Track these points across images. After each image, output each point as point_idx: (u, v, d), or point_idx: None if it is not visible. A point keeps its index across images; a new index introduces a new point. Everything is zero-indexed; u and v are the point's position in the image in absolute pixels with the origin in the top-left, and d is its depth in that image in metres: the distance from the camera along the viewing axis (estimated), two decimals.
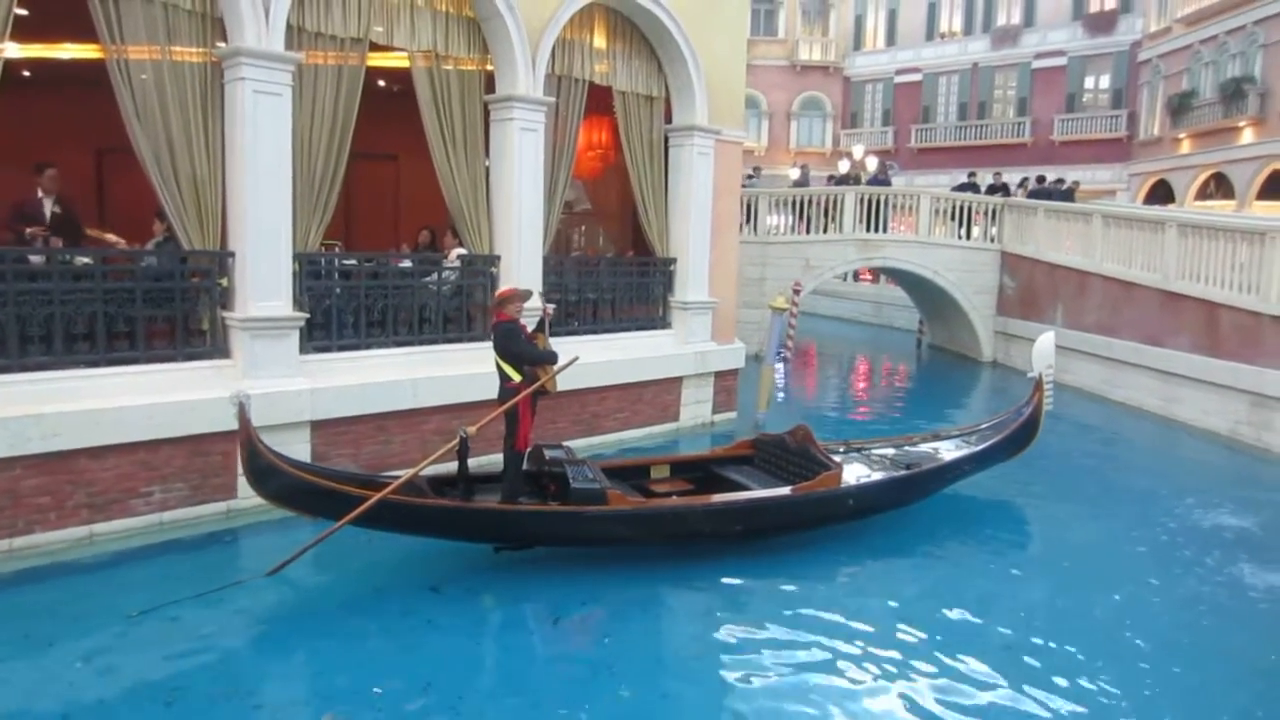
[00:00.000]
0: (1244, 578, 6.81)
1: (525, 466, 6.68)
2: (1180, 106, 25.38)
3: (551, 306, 7.39)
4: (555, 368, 6.64)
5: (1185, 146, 25.64)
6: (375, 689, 4.70)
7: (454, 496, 6.47)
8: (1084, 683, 5.01)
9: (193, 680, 4.71)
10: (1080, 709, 4.74)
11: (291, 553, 5.84)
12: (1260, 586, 6.65)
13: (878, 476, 7.49)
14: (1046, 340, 9.04)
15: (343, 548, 6.81)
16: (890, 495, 7.51)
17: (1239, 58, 23.64)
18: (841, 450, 8.15)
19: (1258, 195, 22.92)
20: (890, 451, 8.28)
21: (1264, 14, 22.52)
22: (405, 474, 6.20)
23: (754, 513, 6.82)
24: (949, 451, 8.31)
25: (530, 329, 6.88)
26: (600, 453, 9.06)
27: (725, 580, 6.40)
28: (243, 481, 7.05)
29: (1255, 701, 4.93)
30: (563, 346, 9.39)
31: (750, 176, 19.51)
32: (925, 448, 8.45)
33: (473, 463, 6.60)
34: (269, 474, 5.73)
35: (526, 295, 6.85)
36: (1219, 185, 24.71)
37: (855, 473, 7.48)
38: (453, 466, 6.58)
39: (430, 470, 6.51)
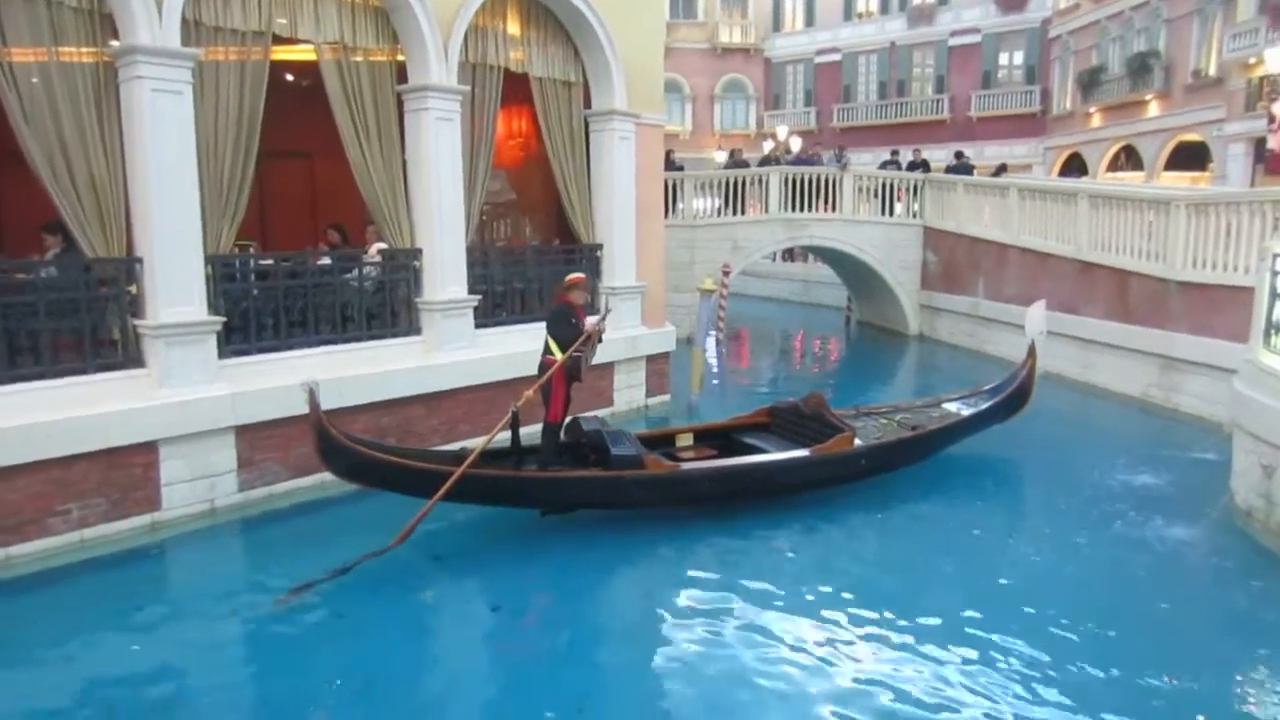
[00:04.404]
0: (1155, 532, 7.13)
1: (565, 438, 7.22)
2: (1090, 82, 26.20)
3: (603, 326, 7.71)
4: (579, 341, 7.08)
5: (1096, 120, 26.50)
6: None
7: (505, 466, 6.95)
8: (1015, 629, 5.23)
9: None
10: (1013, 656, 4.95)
11: (408, 523, 6.09)
12: (1168, 540, 6.99)
13: (888, 438, 8.05)
14: (1038, 309, 9.47)
15: (268, 550, 6.74)
16: (899, 455, 8.10)
17: (1144, 33, 24.50)
18: (852, 414, 8.60)
19: (1165, 166, 23.85)
20: (897, 415, 8.84)
21: None
22: (477, 449, 6.64)
23: (777, 473, 7.44)
24: (951, 414, 8.87)
25: (590, 320, 7.32)
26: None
27: (677, 548, 6.68)
28: (166, 493, 6.97)
29: (1151, 647, 5.21)
30: (491, 338, 9.44)
31: (676, 165, 19.54)
32: (930, 410, 9.01)
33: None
34: (338, 453, 6.16)
35: (589, 285, 7.47)
36: (1129, 158, 25.62)
37: (866, 435, 8.01)
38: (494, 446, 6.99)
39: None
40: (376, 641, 5.25)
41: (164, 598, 6.04)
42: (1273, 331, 7.23)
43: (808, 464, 7.44)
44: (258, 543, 7.05)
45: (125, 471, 6.73)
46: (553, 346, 7.08)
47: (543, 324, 9.75)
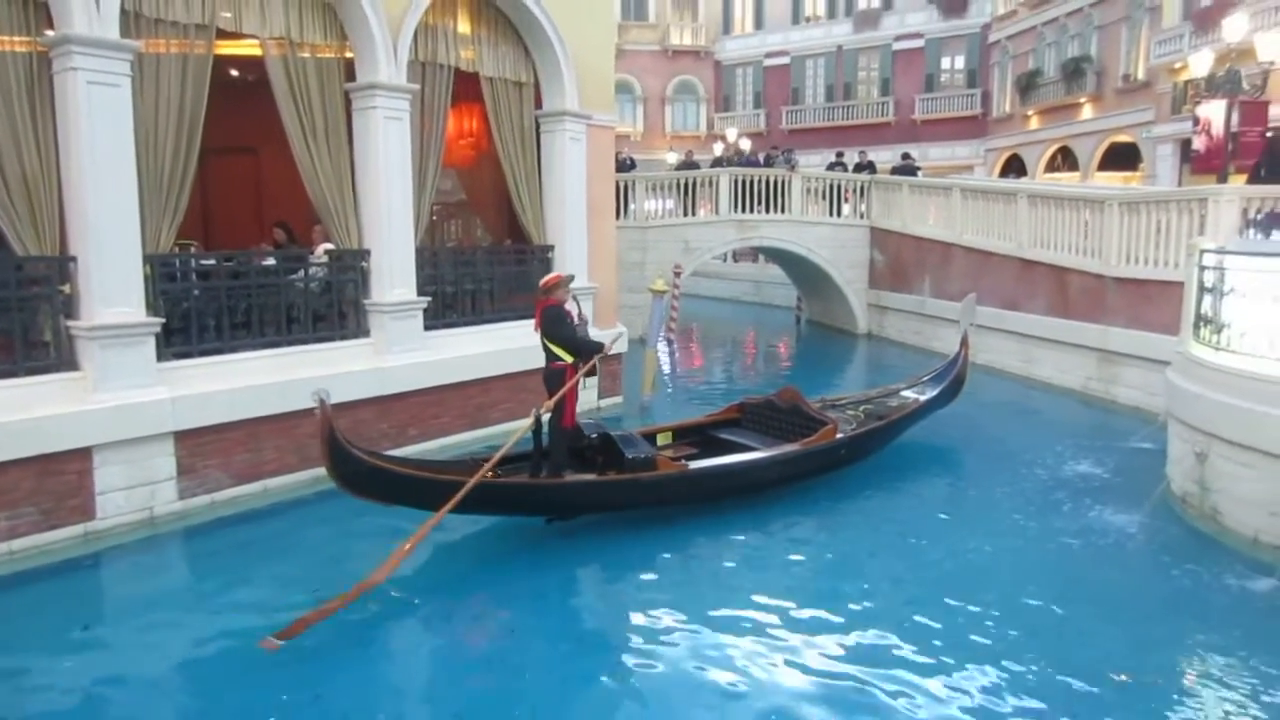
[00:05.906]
0: (1095, 519, 7.32)
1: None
2: (1028, 85, 26.89)
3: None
4: (603, 352, 7.15)
5: (1034, 123, 27.19)
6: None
7: (523, 472, 6.75)
8: (965, 618, 5.32)
9: None
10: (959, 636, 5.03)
11: (390, 556, 5.42)
12: (1108, 526, 7.17)
13: (861, 428, 8.36)
14: (969, 301, 10.18)
15: (210, 561, 6.55)
16: (872, 442, 8.45)
17: (1078, 38, 25.22)
18: (819, 407, 8.76)
19: (1099, 166, 24.56)
20: (861, 406, 9.15)
21: None
22: (494, 457, 6.31)
23: (773, 468, 7.56)
24: (909, 401, 9.20)
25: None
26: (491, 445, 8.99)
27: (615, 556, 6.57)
28: (101, 501, 6.72)
29: (1091, 629, 5.34)
30: (441, 340, 9.32)
31: (629, 164, 19.55)
32: (888, 400, 9.33)
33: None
34: (345, 463, 5.75)
35: (570, 279, 7.32)
36: (1065, 158, 26.33)
37: (840, 426, 8.22)
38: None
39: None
40: (341, 657, 5.02)
41: (99, 612, 5.84)
42: (1202, 324, 7.48)
43: (798, 457, 7.61)
44: (199, 553, 6.81)
45: (58, 479, 6.49)
46: (557, 351, 6.89)
47: (492, 326, 9.83)
